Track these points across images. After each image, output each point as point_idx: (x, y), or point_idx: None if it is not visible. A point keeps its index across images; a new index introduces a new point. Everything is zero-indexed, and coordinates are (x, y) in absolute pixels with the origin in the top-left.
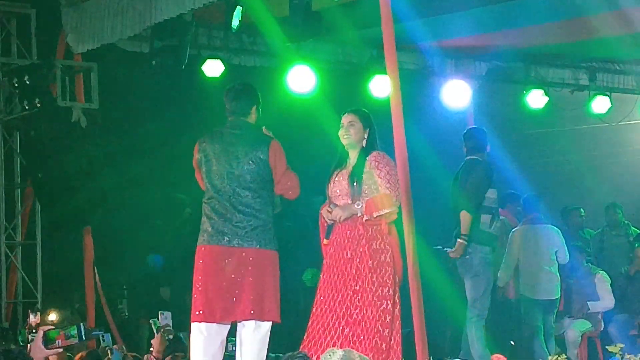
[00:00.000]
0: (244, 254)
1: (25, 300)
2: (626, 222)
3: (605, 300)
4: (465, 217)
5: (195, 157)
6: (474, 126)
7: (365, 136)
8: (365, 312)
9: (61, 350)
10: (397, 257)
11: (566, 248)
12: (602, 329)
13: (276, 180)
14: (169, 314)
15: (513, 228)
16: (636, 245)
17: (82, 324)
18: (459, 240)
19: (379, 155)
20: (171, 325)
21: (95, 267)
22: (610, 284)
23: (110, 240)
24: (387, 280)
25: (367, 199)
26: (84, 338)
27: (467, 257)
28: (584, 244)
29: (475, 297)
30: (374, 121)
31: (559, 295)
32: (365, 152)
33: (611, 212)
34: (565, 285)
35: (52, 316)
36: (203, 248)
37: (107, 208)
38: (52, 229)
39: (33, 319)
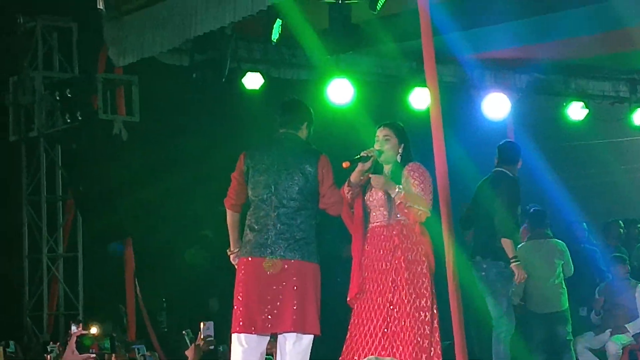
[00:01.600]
0: (286, 265)
1: (66, 312)
2: None
3: None
4: (506, 243)
5: (241, 168)
6: (509, 139)
7: (400, 151)
8: (403, 323)
9: (93, 356)
10: (433, 268)
11: (571, 262)
12: None
13: (322, 194)
14: (211, 324)
15: None
16: None
17: (113, 336)
18: (512, 265)
19: (415, 165)
20: (213, 335)
21: (137, 279)
22: None
23: (152, 252)
24: (425, 292)
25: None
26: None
27: (483, 273)
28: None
29: (498, 314)
30: (410, 134)
31: (566, 306)
32: (400, 165)
33: None
34: (602, 299)
35: (94, 329)
36: (245, 260)
37: (148, 220)
38: (93, 241)
39: (75, 329)
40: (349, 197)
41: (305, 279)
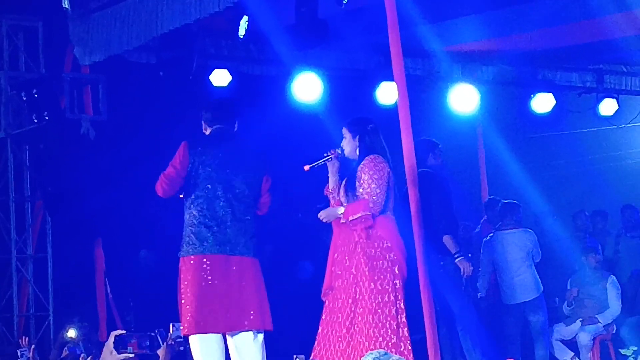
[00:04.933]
0: (243, 263)
1: (37, 314)
2: None
3: (613, 308)
4: (446, 239)
5: (186, 159)
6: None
7: (357, 143)
8: (366, 319)
9: (132, 356)
10: (399, 261)
11: (539, 248)
12: (614, 331)
13: (262, 192)
14: (179, 325)
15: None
16: None
17: (157, 334)
18: (457, 261)
19: (367, 160)
20: (182, 337)
21: (107, 279)
22: (622, 286)
23: (121, 251)
24: (387, 287)
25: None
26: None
27: (441, 270)
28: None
29: (458, 309)
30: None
31: (539, 293)
32: (360, 160)
33: (627, 213)
34: (576, 290)
35: (71, 332)
36: (203, 258)
37: (118, 220)
38: (62, 242)
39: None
40: (332, 203)
41: (258, 276)
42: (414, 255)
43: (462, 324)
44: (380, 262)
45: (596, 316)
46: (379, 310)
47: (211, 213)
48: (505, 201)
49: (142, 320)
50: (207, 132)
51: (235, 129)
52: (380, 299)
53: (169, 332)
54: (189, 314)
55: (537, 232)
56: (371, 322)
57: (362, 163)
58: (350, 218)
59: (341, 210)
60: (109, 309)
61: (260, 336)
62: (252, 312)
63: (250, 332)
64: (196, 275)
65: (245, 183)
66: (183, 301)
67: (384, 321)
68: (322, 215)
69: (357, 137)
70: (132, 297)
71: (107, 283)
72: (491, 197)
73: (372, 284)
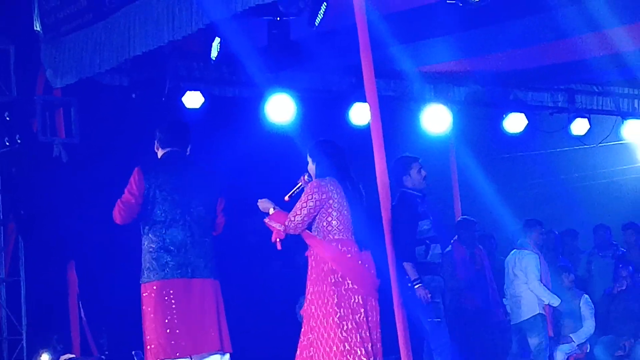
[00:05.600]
0: (204, 285)
1: (10, 338)
2: (614, 242)
3: (587, 327)
4: (406, 266)
5: (141, 185)
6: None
7: (314, 169)
8: (318, 332)
9: None
10: (347, 283)
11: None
12: (588, 350)
13: (217, 213)
14: (139, 353)
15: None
16: (620, 265)
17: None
18: (416, 287)
19: (310, 184)
20: None
21: (80, 302)
22: (595, 305)
23: (94, 275)
24: (330, 310)
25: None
26: None
27: (418, 285)
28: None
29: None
30: (351, 151)
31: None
32: None
33: (600, 233)
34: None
35: (45, 357)
36: (162, 282)
37: (91, 243)
38: (35, 265)
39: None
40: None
41: (218, 297)
42: (387, 276)
43: (435, 343)
44: (319, 286)
45: (570, 335)
46: (324, 323)
47: (170, 238)
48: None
49: (115, 344)
50: (159, 153)
51: (187, 153)
52: (326, 321)
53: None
54: (155, 340)
55: (510, 252)
56: (321, 334)
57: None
58: (267, 220)
59: (272, 210)
60: (83, 332)
61: (226, 357)
62: (213, 334)
63: (218, 355)
64: (159, 301)
65: (202, 205)
66: (148, 328)
67: (332, 345)
68: (260, 203)
69: (315, 162)
70: (105, 320)
71: (80, 306)
72: (464, 216)
73: (315, 300)
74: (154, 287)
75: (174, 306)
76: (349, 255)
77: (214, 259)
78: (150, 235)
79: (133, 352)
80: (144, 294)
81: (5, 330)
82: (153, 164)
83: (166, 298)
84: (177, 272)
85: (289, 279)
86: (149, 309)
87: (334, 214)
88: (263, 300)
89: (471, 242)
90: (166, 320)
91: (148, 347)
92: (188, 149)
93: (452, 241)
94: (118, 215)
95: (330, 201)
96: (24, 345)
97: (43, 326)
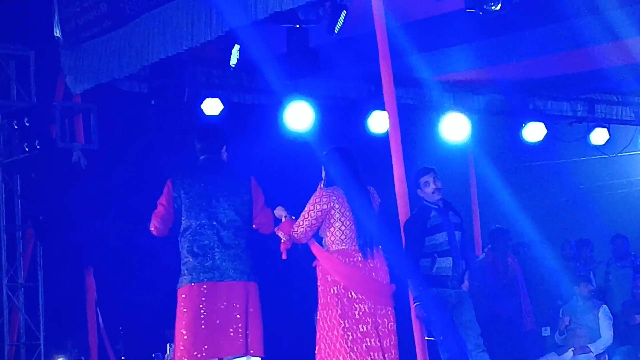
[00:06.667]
0: (233, 287)
1: (28, 343)
2: (633, 253)
3: (605, 337)
4: (409, 282)
5: (171, 195)
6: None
7: (323, 177)
8: (326, 355)
9: None
10: (335, 288)
11: None
12: None
13: (254, 214)
14: (159, 355)
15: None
16: (638, 275)
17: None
18: (414, 305)
19: (315, 192)
20: None
21: (98, 308)
22: (613, 315)
23: (112, 280)
24: (334, 321)
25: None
26: None
27: (416, 303)
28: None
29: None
30: (369, 158)
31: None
32: None
33: (618, 243)
34: (568, 319)
35: None
36: (191, 286)
37: (108, 248)
38: (54, 270)
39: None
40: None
41: (253, 299)
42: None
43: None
44: (324, 298)
45: (588, 345)
46: (332, 345)
47: (198, 243)
48: None
49: (132, 349)
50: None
51: (222, 156)
52: (331, 333)
53: (166, 352)
54: (182, 343)
55: (528, 261)
56: (327, 352)
57: None
58: (276, 230)
59: (283, 219)
60: (100, 337)
61: None
62: (238, 337)
63: (245, 357)
64: (188, 305)
65: (232, 208)
66: (175, 331)
67: (328, 337)
68: (276, 211)
69: (324, 171)
70: (123, 325)
71: (98, 312)
72: (497, 225)
73: (320, 318)
74: (184, 294)
75: (202, 310)
76: (350, 266)
77: (249, 261)
78: (181, 242)
79: (153, 355)
80: (178, 299)
81: (24, 335)
82: (183, 172)
83: (194, 302)
84: (204, 275)
85: (310, 285)
86: (179, 314)
87: (337, 224)
88: (283, 304)
89: (504, 251)
90: (193, 325)
91: (175, 350)
92: (223, 151)
93: (485, 250)
94: (154, 228)
95: (332, 211)
96: (42, 350)
97: (61, 331)
